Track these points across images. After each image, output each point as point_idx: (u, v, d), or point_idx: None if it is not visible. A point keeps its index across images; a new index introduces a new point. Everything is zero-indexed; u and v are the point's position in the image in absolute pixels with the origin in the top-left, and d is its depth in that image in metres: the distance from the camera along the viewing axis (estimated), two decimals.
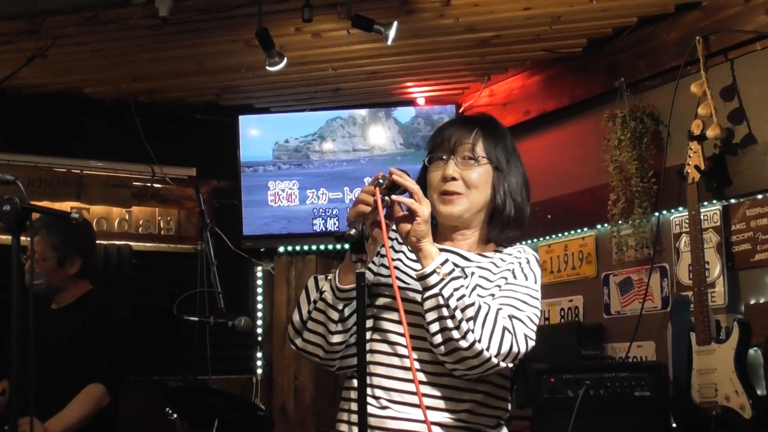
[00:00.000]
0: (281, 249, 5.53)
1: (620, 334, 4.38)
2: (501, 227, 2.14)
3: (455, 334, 1.90)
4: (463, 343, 1.90)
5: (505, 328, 1.94)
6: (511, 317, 1.97)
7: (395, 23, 3.95)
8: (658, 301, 4.27)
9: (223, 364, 5.05)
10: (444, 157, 2.10)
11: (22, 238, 2.16)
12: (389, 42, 3.99)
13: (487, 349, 1.91)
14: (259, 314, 5.61)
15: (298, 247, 5.50)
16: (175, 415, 3.69)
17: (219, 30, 4.21)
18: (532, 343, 1.99)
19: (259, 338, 5.50)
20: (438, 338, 1.92)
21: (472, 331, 1.90)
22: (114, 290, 5.10)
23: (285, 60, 4.25)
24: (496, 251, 2.15)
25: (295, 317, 2.08)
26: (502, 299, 2.03)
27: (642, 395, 3.70)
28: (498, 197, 2.11)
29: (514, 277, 2.07)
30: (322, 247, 5.46)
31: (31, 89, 4.99)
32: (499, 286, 2.05)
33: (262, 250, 5.57)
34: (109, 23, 4.04)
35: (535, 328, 2.02)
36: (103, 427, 3.58)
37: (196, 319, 3.79)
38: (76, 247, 3.67)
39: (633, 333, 4.22)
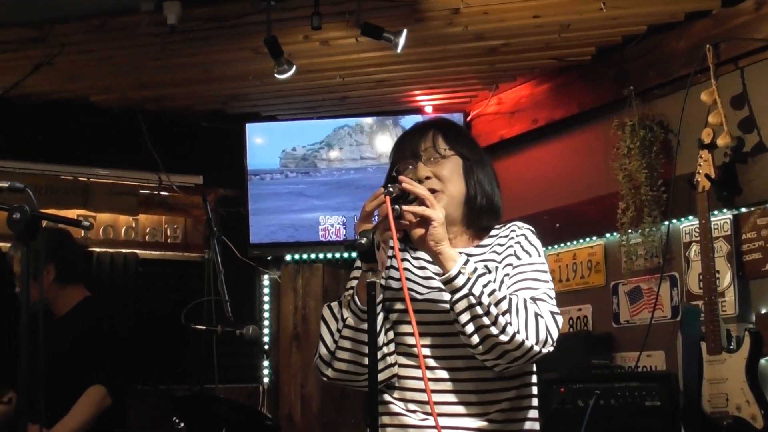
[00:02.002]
0: (288, 257, 5.52)
1: (630, 343, 4.35)
2: (475, 217, 2.15)
3: (494, 330, 1.90)
4: (504, 338, 1.90)
5: (536, 314, 1.94)
6: (534, 300, 1.98)
7: (405, 31, 3.94)
8: (668, 311, 4.24)
9: (229, 373, 5.03)
10: (411, 166, 2.12)
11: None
12: (399, 50, 3.98)
13: (527, 339, 1.92)
14: (266, 323, 5.59)
15: (305, 256, 5.48)
16: (182, 424, 3.67)
17: (227, 38, 4.20)
18: (560, 319, 2.00)
19: (266, 347, 5.48)
20: (475, 338, 1.92)
21: (510, 323, 1.90)
22: (119, 298, 5.09)
23: (294, 68, 4.22)
24: (489, 237, 2.16)
25: (322, 350, 2.09)
26: (517, 284, 2.03)
27: (653, 405, 3.68)
28: (470, 188, 2.14)
29: (518, 258, 2.08)
30: (329, 255, 5.44)
31: (38, 97, 4.98)
32: (508, 274, 2.05)
33: (269, 258, 5.56)
34: (117, 31, 4.04)
35: (555, 303, 2.02)
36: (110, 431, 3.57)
37: (204, 327, 3.78)
38: (46, 254, 3.63)
39: (643, 342, 4.20)
